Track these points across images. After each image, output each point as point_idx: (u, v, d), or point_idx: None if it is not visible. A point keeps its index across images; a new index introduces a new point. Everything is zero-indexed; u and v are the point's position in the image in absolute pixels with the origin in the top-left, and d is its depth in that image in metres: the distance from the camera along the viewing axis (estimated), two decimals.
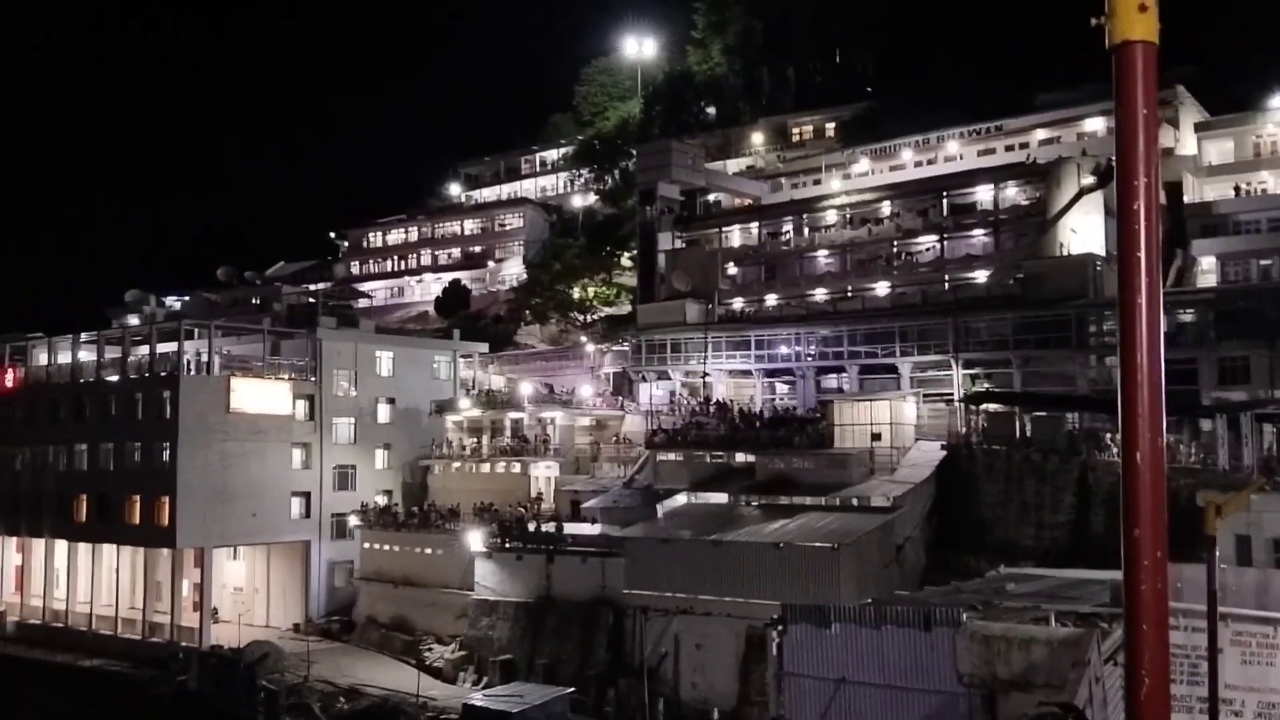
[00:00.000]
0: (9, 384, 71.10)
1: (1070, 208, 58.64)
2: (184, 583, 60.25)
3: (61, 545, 66.22)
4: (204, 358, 62.18)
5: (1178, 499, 32.93)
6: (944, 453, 48.69)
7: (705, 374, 64.88)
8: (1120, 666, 15.17)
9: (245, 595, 65.02)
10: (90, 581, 64.87)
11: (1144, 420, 5.76)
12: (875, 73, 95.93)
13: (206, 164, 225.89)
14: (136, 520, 61.17)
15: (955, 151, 75.92)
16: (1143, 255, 5.76)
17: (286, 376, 64.41)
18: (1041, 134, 72.53)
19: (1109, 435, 45.78)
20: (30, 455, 68.59)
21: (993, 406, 51.23)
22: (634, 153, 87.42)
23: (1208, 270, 59.56)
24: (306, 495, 63.81)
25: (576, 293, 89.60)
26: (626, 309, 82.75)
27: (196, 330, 64.50)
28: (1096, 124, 70.83)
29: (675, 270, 71.85)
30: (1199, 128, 65.75)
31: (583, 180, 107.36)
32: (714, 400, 61.97)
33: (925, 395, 54.24)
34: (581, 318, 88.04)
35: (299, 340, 66.79)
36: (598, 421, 66.20)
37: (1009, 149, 74.00)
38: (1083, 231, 58.06)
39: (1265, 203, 61.10)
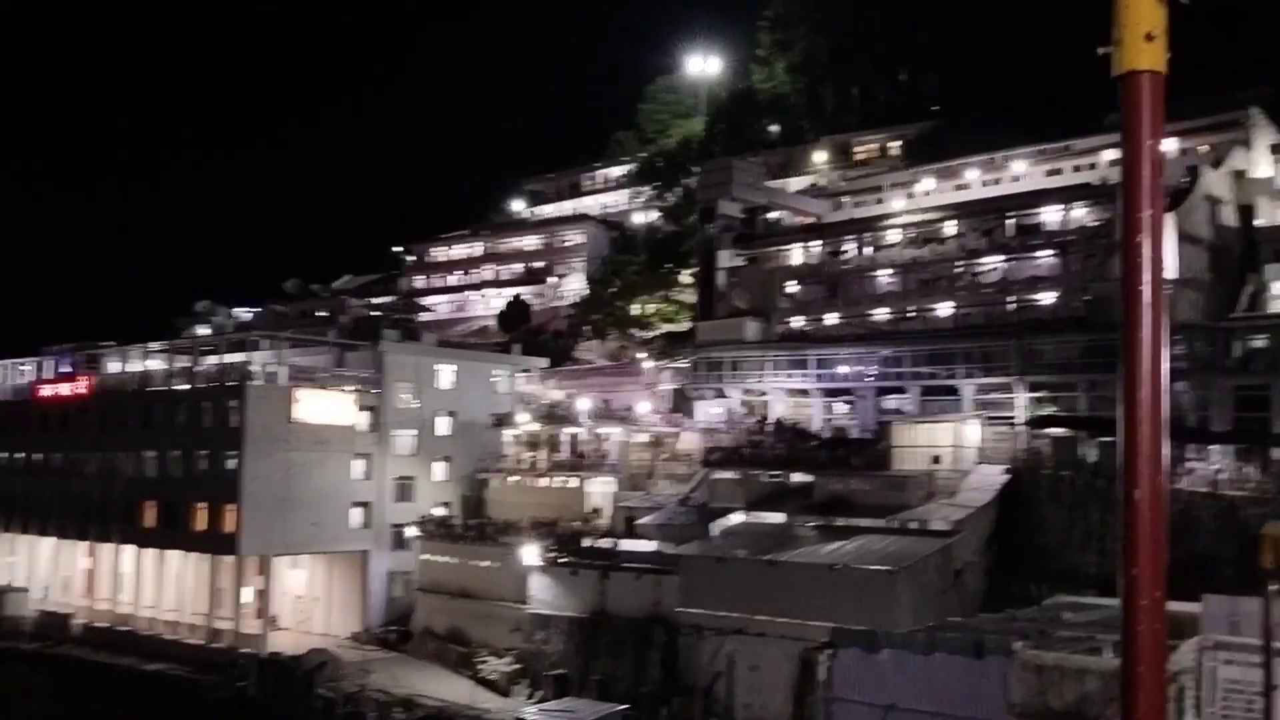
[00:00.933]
0: (82, 391, 72.83)
1: None
2: (246, 590, 61.09)
3: (129, 551, 67.48)
4: (271, 368, 63.18)
5: (1246, 529, 32.10)
6: (1006, 477, 47.98)
7: (763, 393, 64.63)
8: (1167, 700, 14.81)
9: (305, 603, 65.84)
10: (155, 587, 66.02)
11: (1144, 458, 5.64)
12: (940, 91, 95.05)
13: (278, 177, 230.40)
14: (201, 527, 62.18)
15: (1021, 171, 74.91)
16: (1146, 289, 5.66)
17: (350, 388, 65.26)
18: (1110, 154, 71.18)
19: (1177, 463, 44.86)
20: (100, 462, 70.12)
21: (1057, 431, 50.39)
22: (696, 170, 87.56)
23: None
24: (367, 505, 64.53)
25: (636, 309, 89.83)
26: (686, 326, 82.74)
27: (264, 341, 65.53)
28: (1167, 145, 69.35)
29: (735, 288, 71.76)
30: (1274, 149, 64.27)
31: (644, 197, 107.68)
32: (773, 419, 61.68)
33: (988, 418, 53.50)
34: (640, 334, 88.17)
35: (363, 352, 67.69)
36: (654, 438, 66.19)
37: (1077, 169, 72.85)
38: None
39: None
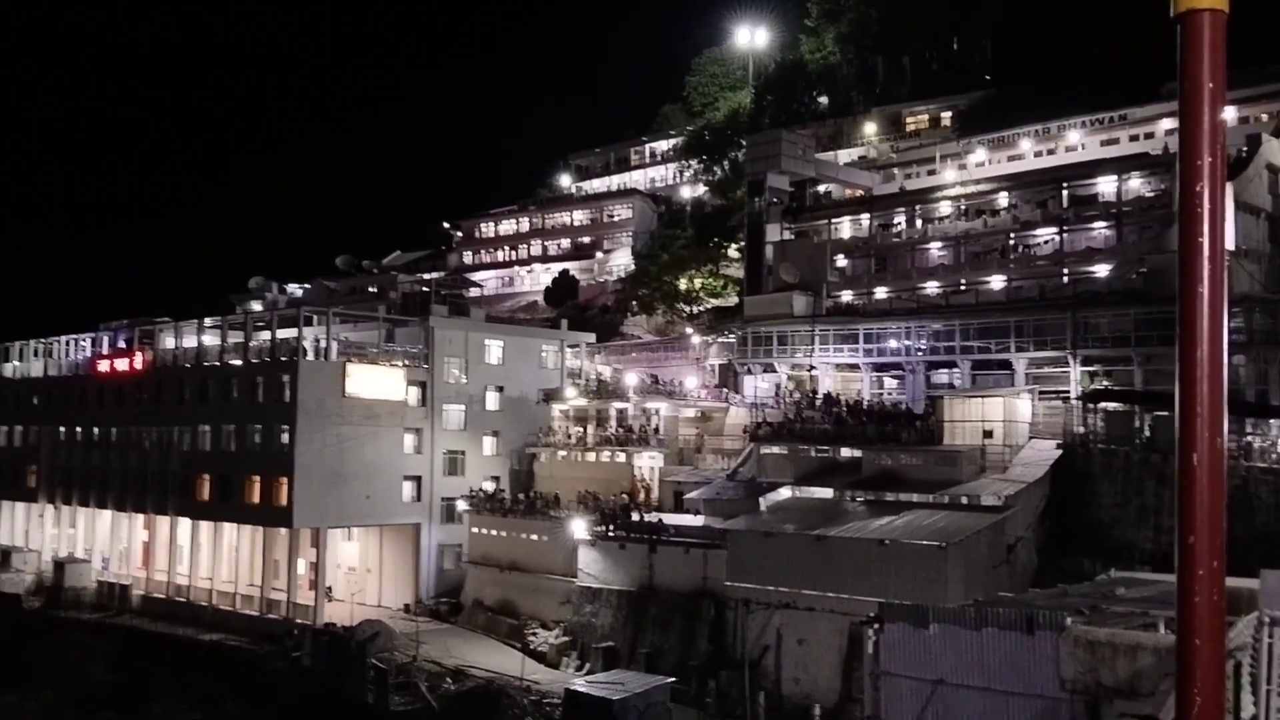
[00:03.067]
0: (138, 366, 74.06)
1: None
2: (300, 562, 62.02)
3: (185, 523, 68.68)
4: (322, 344, 63.86)
5: None
6: (1059, 452, 47.39)
7: (811, 367, 64.25)
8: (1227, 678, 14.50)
9: (358, 575, 66.73)
10: (211, 559, 67.19)
11: (1203, 420, 5.33)
12: (993, 61, 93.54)
13: (329, 155, 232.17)
14: (256, 500, 63.15)
15: (1076, 141, 73.65)
16: (1205, 241, 5.36)
17: (400, 363, 65.81)
18: (1167, 123, 69.81)
19: (1236, 437, 44.09)
20: (156, 435, 71.33)
21: (1111, 405, 49.62)
22: (743, 143, 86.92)
23: None
24: (418, 479, 65.15)
25: (683, 284, 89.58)
26: (733, 301, 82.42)
27: (315, 317, 66.22)
28: (1225, 113, 67.75)
29: (783, 262, 71.24)
30: None
31: (692, 171, 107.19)
32: (821, 394, 61.32)
33: (1040, 392, 52.81)
34: (688, 309, 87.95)
35: (412, 328, 68.18)
36: (702, 413, 66.11)
37: (1133, 139, 71.48)
38: None
39: None
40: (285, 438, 61.36)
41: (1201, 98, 5.40)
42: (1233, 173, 56.84)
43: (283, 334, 66.17)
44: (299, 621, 58.57)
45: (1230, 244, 54.00)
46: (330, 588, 63.65)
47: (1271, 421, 46.07)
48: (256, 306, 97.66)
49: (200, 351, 71.32)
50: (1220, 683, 5.29)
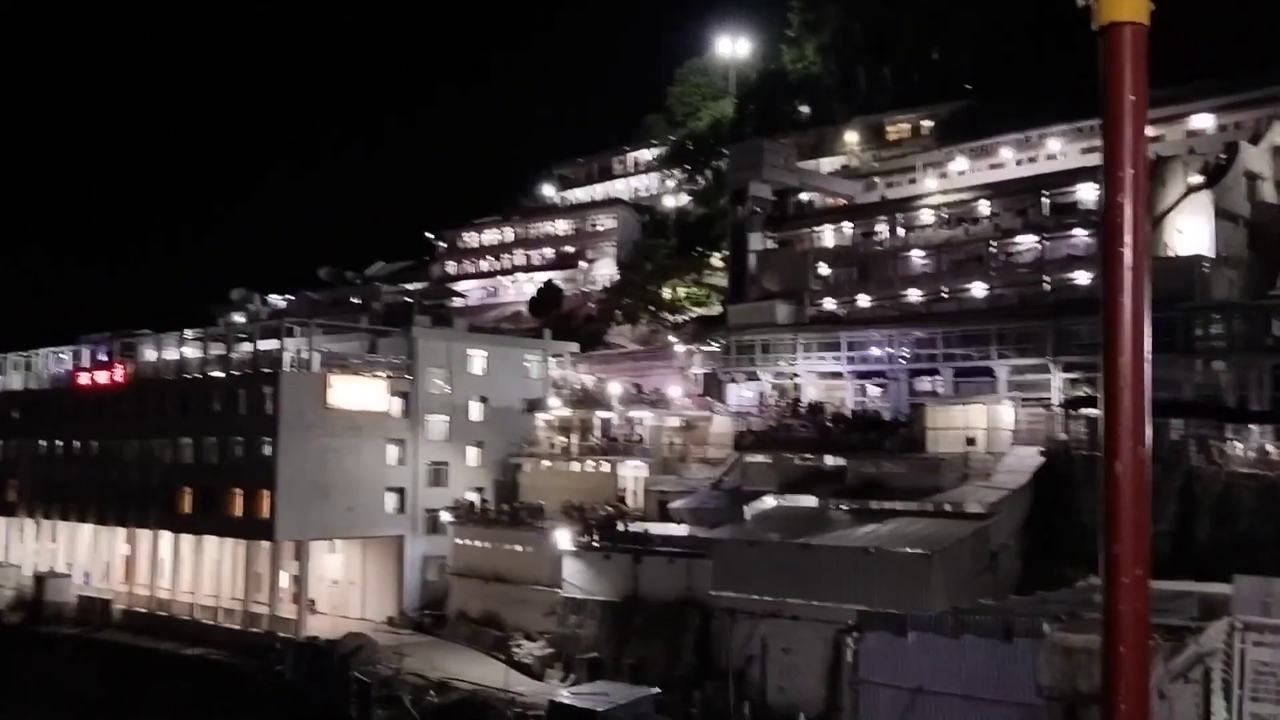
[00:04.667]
0: (119, 379, 73.60)
1: (1176, 207, 56.68)
2: (282, 575, 61.66)
3: (166, 536, 68.15)
4: (304, 355, 63.62)
5: None
6: (1042, 459, 47.49)
7: (795, 375, 64.32)
8: (1191, 683, 14.57)
9: (341, 588, 66.38)
10: (193, 572, 66.68)
11: (1125, 428, 5.34)
12: (974, 71, 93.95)
13: (312, 166, 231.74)
14: (238, 513, 62.73)
15: (1057, 150, 73.95)
16: (1127, 250, 5.37)
17: (383, 374, 65.59)
18: (1148, 131, 70.10)
19: (1217, 443, 44.34)
20: (138, 448, 70.87)
21: (1093, 412, 49.73)
22: (726, 152, 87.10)
23: None
24: (401, 491, 64.87)
25: (667, 293, 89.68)
26: (717, 310, 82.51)
27: (297, 328, 66.01)
28: (1204, 121, 68.41)
29: (766, 271, 71.39)
30: None
31: (675, 180, 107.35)
32: (805, 402, 61.37)
33: (1023, 400, 52.96)
34: (672, 318, 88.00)
35: (395, 339, 68.02)
36: (686, 422, 66.07)
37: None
38: (1189, 232, 56.06)
39: None
40: (267, 450, 61.04)
41: (1123, 110, 5.42)
42: (1212, 180, 57.31)
43: (265, 345, 65.89)
44: (281, 635, 58.19)
45: (1210, 251, 54.46)
46: (313, 600, 63.27)
47: (1252, 427, 46.28)
48: (238, 318, 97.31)
49: (181, 364, 70.96)
50: (1144, 689, 5.29)
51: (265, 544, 61.31)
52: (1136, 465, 5.32)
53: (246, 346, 67.73)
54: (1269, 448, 44.86)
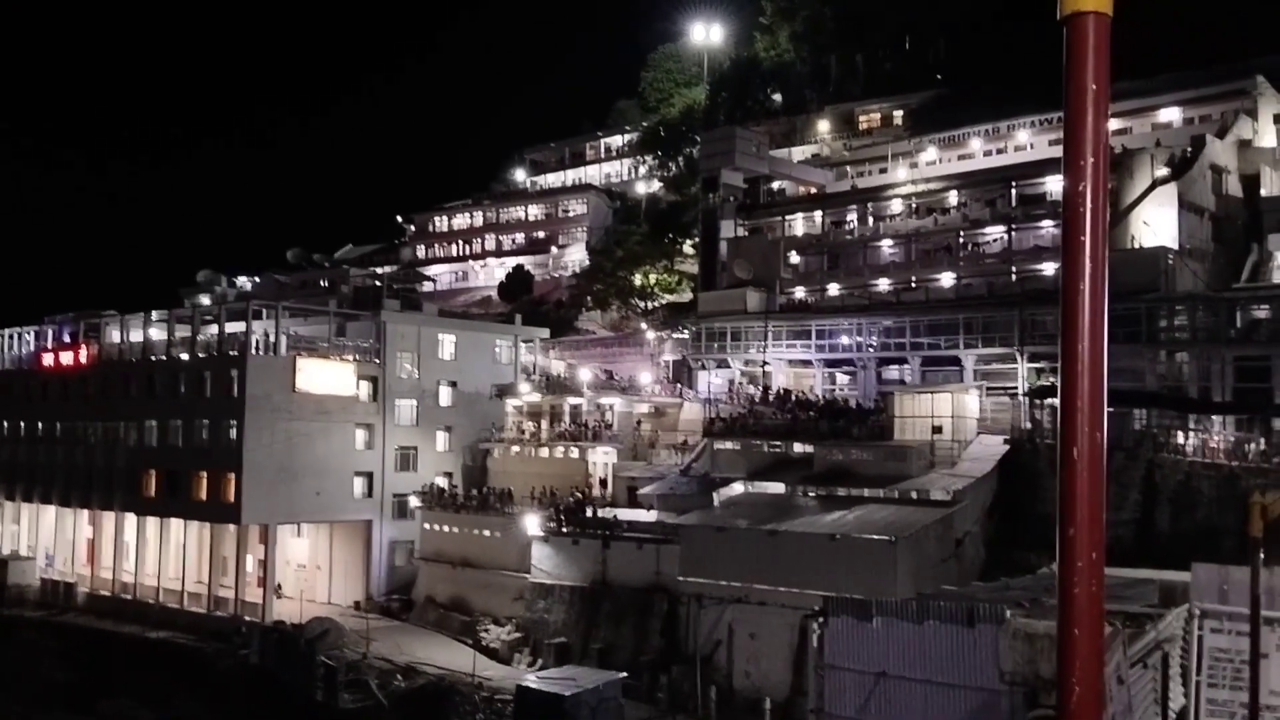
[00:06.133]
0: (84, 360, 72.85)
1: (1143, 200, 57.31)
2: (248, 558, 61.37)
3: (131, 519, 67.68)
4: (271, 338, 63.22)
5: (1246, 499, 32.03)
6: (1007, 447, 47.99)
7: (765, 363, 64.59)
8: (1150, 669, 14.83)
9: (308, 572, 66.15)
10: (158, 555, 66.21)
11: (1083, 414, 5.45)
12: (946, 60, 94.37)
13: (281, 145, 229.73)
14: (203, 496, 62.36)
15: (1026, 141, 74.46)
16: (1087, 239, 5.47)
17: (351, 358, 65.29)
18: (1115, 124, 70.60)
19: (1179, 433, 45.00)
20: (102, 431, 70.25)
21: (1057, 401, 50.26)
22: (698, 139, 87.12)
23: None
24: (369, 475, 64.69)
25: (638, 279, 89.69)
26: (688, 297, 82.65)
27: (264, 310, 65.56)
28: (1171, 114, 69.13)
29: (737, 258, 71.56)
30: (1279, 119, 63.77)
31: (647, 167, 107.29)
32: (776, 389, 61.66)
33: (989, 388, 53.45)
34: (642, 305, 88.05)
35: (364, 322, 67.69)
36: (656, 409, 66.25)
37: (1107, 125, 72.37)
38: (1155, 224, 56.73)
39: None
40: (233, 433, 60.67)
41: (1085, 100, 5.49)
42: (1177, 173, 57.97)
43: (231, 328, 65.42)
44: (247, 619, 58.01)
45: (1175, 243, 55.10)
46: (279, 585, 63.04)
47: (1214, 417, 46.95)
48: (205, 300, 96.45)
49: (147, 345, 70.32)
50: (1098, 673, 5.41)
51: (231, 527, 61.01)
52: (1093, 450, 5.43)
53: (213, 328, 67.21)
54: (1227, 439, 45.52)
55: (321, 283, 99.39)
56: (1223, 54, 67.97)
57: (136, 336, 71.84)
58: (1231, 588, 14.09)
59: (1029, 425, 49.86)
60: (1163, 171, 57.99)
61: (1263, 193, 61.05)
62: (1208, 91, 67.45)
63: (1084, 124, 5.54)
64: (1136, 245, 55.95)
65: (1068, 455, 5.52)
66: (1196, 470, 43.73)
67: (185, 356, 66.37)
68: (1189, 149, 59.93)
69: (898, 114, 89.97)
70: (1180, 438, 45.83)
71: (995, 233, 63.01)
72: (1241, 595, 14.27)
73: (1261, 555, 13.59)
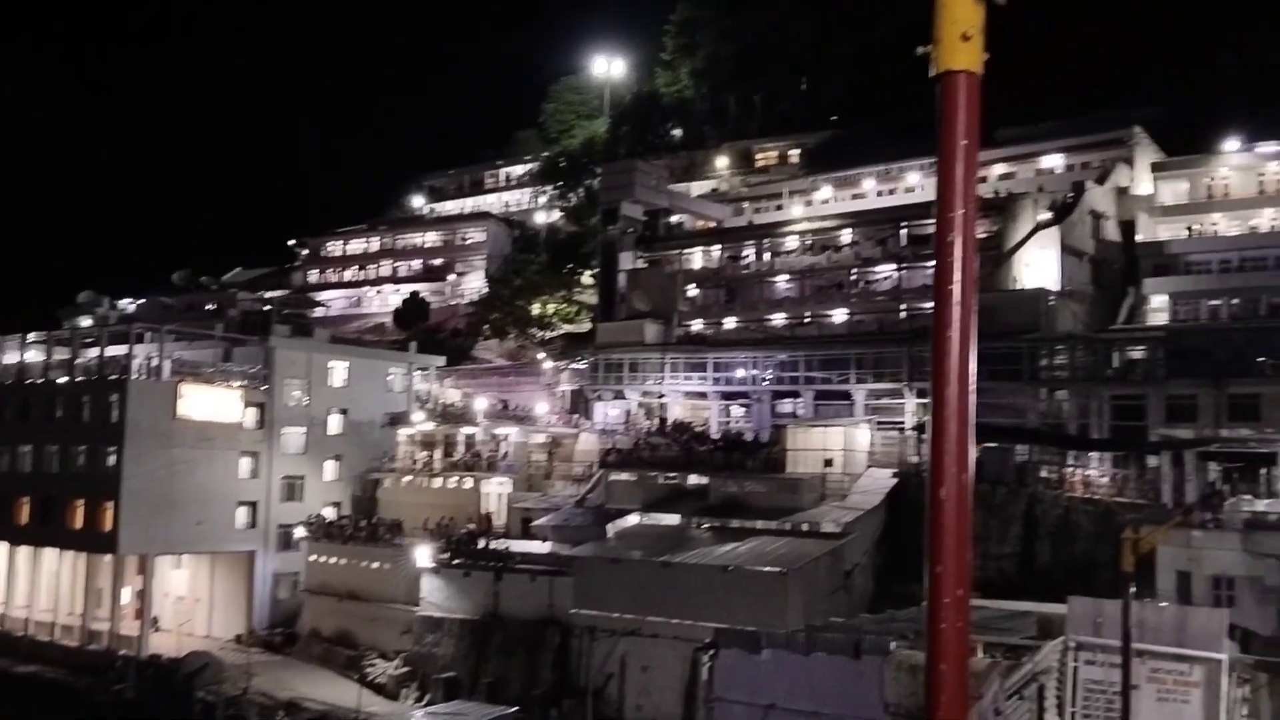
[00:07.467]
0: None
1: (1025, 242, 59.31)
2: (125, 590, 59.27)
3: (1, 547, 64.86)
4: (154, 362, 61.35)
5: (1122, 533, 33.15)
6: (895, 480, 48.92)
7: (662, 395, 64.87)
8: (1026, 700, 15.20)
9: (187, 605, 64.00)
10: (29, 586, 63.62)
11: (950, 456, 5.62)
12: (841, 101, 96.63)
13: (166, 165, 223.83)
14: (79, 525, 60.14)
15: (916, 182, 76.54)
16: (956, 288, 5.66)
17: (237, 384, 63.62)
18: (1000, 168, 73.25)
19: (1058, 468, 46.48)
20: None
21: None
22: (599, 171, 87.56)
23: (1159, 309, 60.40)
24: (253, 505, 62.94)
25: (536, 309, 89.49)
26: (586, 327, 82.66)
27: (148, 334, 63.64)
28: (1054, 161, 71.88)
29: (636, 290, 71.91)
30: (1155, 168, 66.70)
31: (547, 197, 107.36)
32: (672, 421, 61.92)
33: (879, 423, 54.50)
34: (540, 334, 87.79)
35: (252, 348, 66.05)
36: (552, 439, 65.89)
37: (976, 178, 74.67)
38: (1036, 266, 58.75)
39: (1216, 244, 62.09)
40: (112, 460, 58.63)
41: (955, 154, 5.70)
42: (1059, 217, 60.21)
43: (113, 351, 63.36)
44: (123, 653, 55.92)
45: (1056, 284, 57.12)
46: (156, 618, 60.82)
47: (1092, 454, 48.57)
48: (86, 322, 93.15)
49: (23, 368, 67.70)
50: (964, 704, 5.53)
51: (107, 558, 58.87)
52: (959, 491, 5.57)
53: (93, 352, 64.94)
54: (1104, 475, 47.14)
55: (209, 306, 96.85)
56: (1104, 104, 70.99)
57: (12, 359, 69.11)
58: (1105, 621, 14.51)
59: (916, 459, 50.91)
60: (1045, 215, 60.14)
61: (1138, 238, 63.80)
62: (1089, 139, 70.36)
63: (954, 177, 5.73)
64: (1019, 286, 57.82)
65: (935, 496, 5.65)
66: (1075, 505, 45.15)
67: (64, 380, 63.99)
68: (1070, 194, 62.33)
69: (794, 152, 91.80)
70: (1060, 473, 47.30)
71: (886, 271, 64.51)
72: (1114, 628, 14.70)
73: (1133, 589, 14.03)
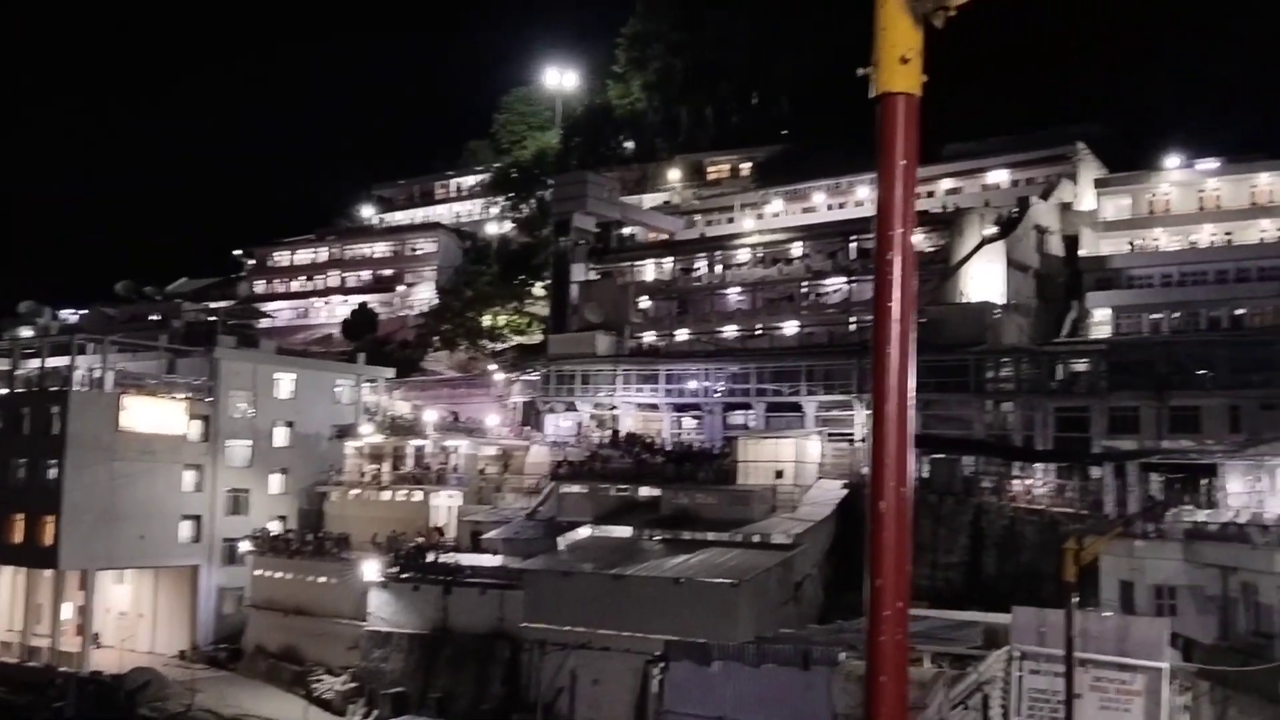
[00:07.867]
0: None
1: (972, 256, 60.07)
2: (65, 605, 58.13)
3: None
4: (97, 374, 60.26)
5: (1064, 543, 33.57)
6: (846, 492, 49.20)
7: (613, 406, 64.81)
8: (971, 710, 15.34)
9: (129, 620, 62.80)
10: None
11: (889, 470, 5.71)
12: (791, 116, 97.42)
13: (108, 174, 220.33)
14: (18, 539, 58.96)
15: (864, 196, 77.20)
16: (895, 305, 5.76)
17: (182, 396, 62.67)
18: (948, 183, 74.22)
19: (1003, 479, 47.04)
20: None
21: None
22: (551, 182, 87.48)
23: (1101, 322, 61.45)
24: (197, 519, 62.00)
25: (487, 320, 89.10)
26: (538, 339, 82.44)
27: (90, 345, 62.51)
28: (1000, 176, 72.93)
29: (588, 302, 71.86)
30: (1098, 184, 67.90)
31: (498, 208, 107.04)
32: (622, 433, 61.85)
33: (829, 434, 54.83)
34: (491, 346, 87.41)
35: (196, 359, 65.13)
36: (503, 451, 65.55)
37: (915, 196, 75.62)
38: (982, 280, 59.51)
39: (1157, 258, 63.31)
40: (53, 473, 57.53)
41: (894, 174, 5.80)
42: (1005, 232, 61.05)
43: (54, 362, 62.16)
44: (63, 670, 54.75)
45: (1002, 298, 57.89)
46: (98, 634, 59.63)
47: (1037, 465, 49.20)
48: (26, 333, 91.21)
49: None
50: (904, 716, 5.59)
51: (48, 573, 57.82)
52: (899, 505, 5.64)
53: (33, 363, 63.68)
54: (1047, 486, 47.77)
55: (153, 317, 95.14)
56: (1049, 120, 72.18)
57: None
58: (1049, 630, 14.69)
59: (865, 470, 51.23)
60: (991, 230, 60.97)
61: (1082, 252, 64.89)
62: (1034, 155, 71.51)
63: (893, 197, 5.81)
64: (966, 300, 58.54)
65: (874, 509, 5.71)
66: (1020, 515, 45.69)
67: (3, 392, 62.74)
68: (1016, 209, 63.25)
69: (745, 166, 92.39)
70: (1005, 484, 47.86)
71: (836, 283, 65.00)
72: (1058, 637, 14.89)
73: (1076, 599, 14.20)
